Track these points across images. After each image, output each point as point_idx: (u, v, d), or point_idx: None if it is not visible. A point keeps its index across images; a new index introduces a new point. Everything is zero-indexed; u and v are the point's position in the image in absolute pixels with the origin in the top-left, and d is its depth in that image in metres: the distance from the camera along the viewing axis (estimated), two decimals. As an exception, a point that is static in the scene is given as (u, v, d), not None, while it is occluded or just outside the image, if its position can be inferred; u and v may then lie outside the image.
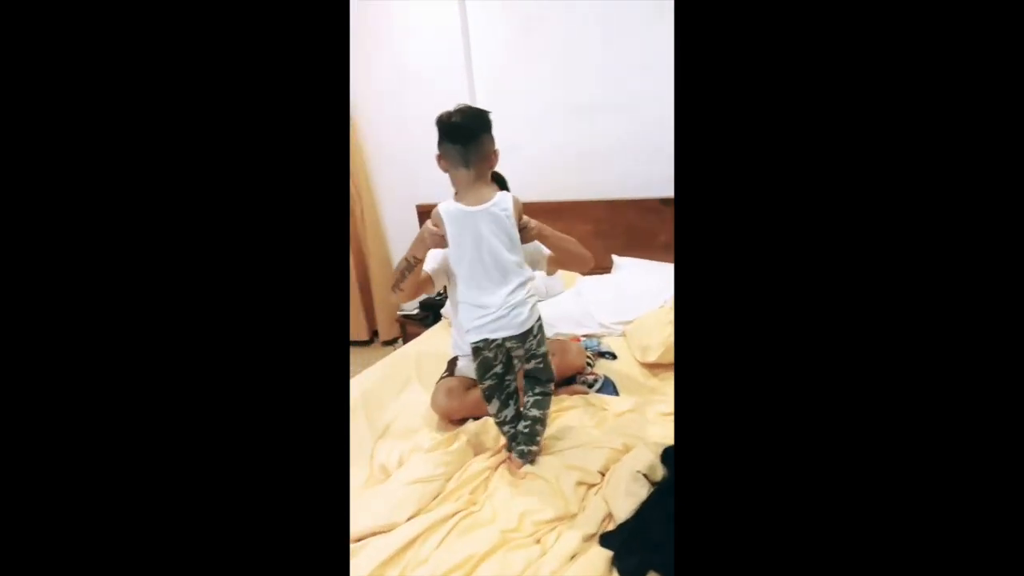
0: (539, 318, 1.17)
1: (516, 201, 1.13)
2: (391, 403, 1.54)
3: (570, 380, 1.52)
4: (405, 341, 2.46)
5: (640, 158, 2.02)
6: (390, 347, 2.87)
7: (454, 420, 1.39)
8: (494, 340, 1.14)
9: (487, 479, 1.12)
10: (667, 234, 1.98)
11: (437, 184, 2.49)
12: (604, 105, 2.05)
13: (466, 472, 1.12)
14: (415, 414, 1.46)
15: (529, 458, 1.17)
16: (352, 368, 2.44)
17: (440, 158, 1.13)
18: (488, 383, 1.18)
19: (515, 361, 1.19)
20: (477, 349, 1.16)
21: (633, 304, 1.82)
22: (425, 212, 2.53)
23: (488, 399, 1.19)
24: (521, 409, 1.20)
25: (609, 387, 1.50)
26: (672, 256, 1.88)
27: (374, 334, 2.97)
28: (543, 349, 1.18)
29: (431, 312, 2.49)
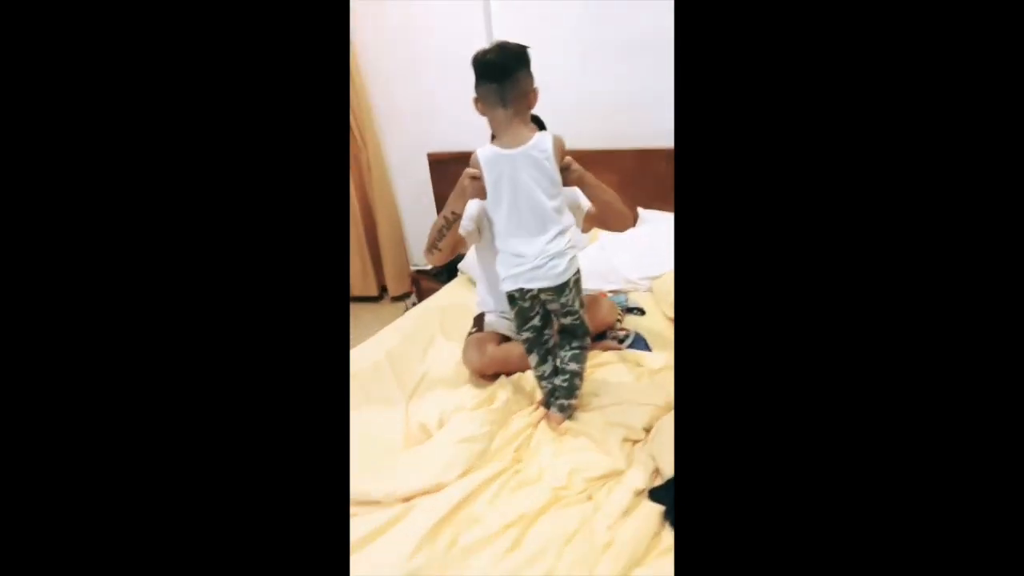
0: (578, 271, 1.13)
1: (557, 140, 1.06)
2: (418, 361, 1.50)
3: (600, 336, 1.49)
4: (420, 297, 2.42)
5: (670, 105, 1.91)
6: (400, 303, 2.83)
7: (486, 375, 1.37)
8: (529, 290, 1.10)
9: (529, 436, 1.10)
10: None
11: (448, 132, 2.41)
12: (635, 48, 1.92)
13: (509, 430, 1.09)
14: (444, 370, 1.43)
15: (568, 412, 1.16)
16: (365, 325, 2.40)
17: (477, 100, 1.07)
18: (526, 335, 1.15)
19: (552, 315, 1.16)
20: (512, 298, 1.13)
21: (660, 259, 1.77)
22: (437, 161, 2.43)
23: (528, 352, 1.17)
24: (558, 364, 1.17)
25: (640, 343, 1.48)
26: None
27: (383, 290, 2.91)
28: (579, 304, 1.14)
29: (445, 267, 2.43)
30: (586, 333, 1.19)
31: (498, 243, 1.12)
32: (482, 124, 2.31)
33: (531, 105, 1.05)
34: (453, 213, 1.22)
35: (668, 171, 1.95)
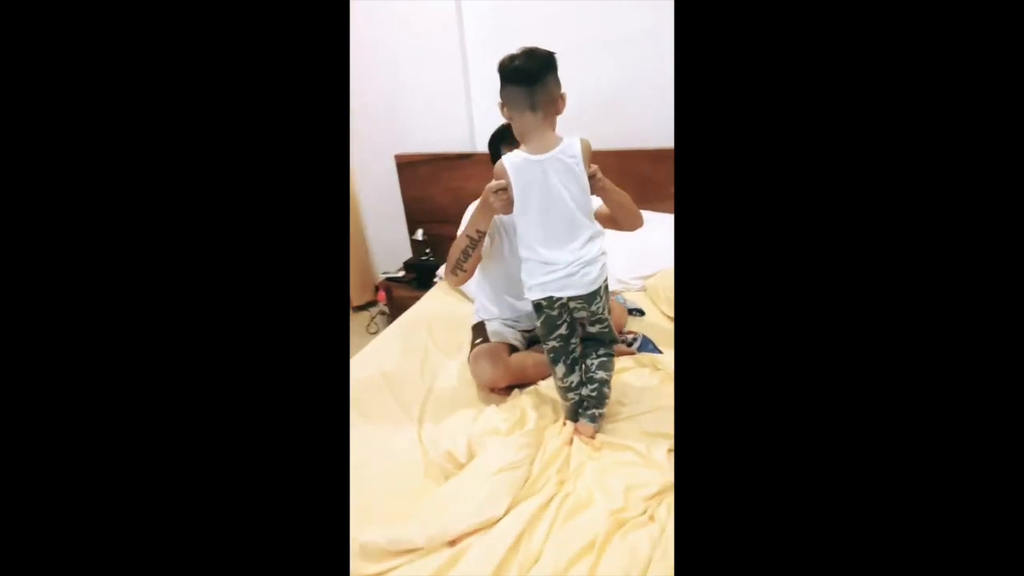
0: (606, 277, 1.07)
1: (586, 144, 1.01)
2: (416, 377, 1.38)
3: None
4: (392, 307, 2.27)
5: (651, 104, 1.90)
6: (363, 312, 2.65)
7: (498, 389, 1.28)
8: (558, 299, 1.03)
9: (568, 456, 1.02)
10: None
11: (416, 134, 2.28)
12: (608, 46, 1.88)
13: (546, 452, 1.01)
14: (450, 387, 1.32)
15: (599, 423, 1.10)
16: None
17: (503, 105, 1.00)
18: (553, 344, 1.08)
19: (578, 323, 1.10)
20: (539, 307, 1.06)
21: (651, 259, 1.76)
22: (405, 164, 2.28)
23: (554, 362, 1.09)
24: (586, 373, 1.12)
25: (648, 344, 1.44)
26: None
27: (344, 299, 2.72)
28: (608, 311, 1.09)
29: (416, 272, 2.30)
30: (613, 340, 1.13)
31: (523, 251, 1.04)
32: (454, 126, 2.26)
33: (559, 110, 1.00)
34: (478, 232, 1.18)
35: (651, 172, 1.94)
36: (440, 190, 2.30)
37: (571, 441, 1.07)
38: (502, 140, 1.30)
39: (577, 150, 1.00)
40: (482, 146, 2.21)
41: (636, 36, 1.85)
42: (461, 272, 1.25)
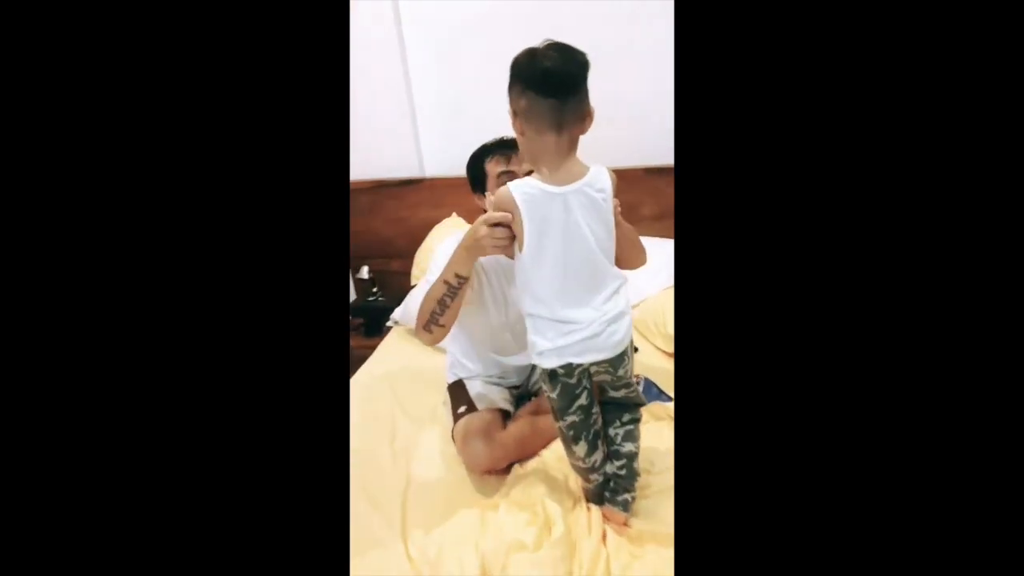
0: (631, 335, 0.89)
1: (612, 177, 0.82)
2: (387, 461, 1.11)
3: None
4: (337, 358, 1.95)
5: (619, 124, 1.76)
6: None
7: (497, 470, 1.05)
8: (578, 365, 0.83)
9: (607, 560, 0.82)
10: (650, 206, 1.79)
11: (367, 157, 1.98)
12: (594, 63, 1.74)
13: (583, 562, 0.80)
14: (434, 474, 1.07)
15: (630, 508, 0.90)
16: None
17: (517, 116, 0.77)
18: (572, 419, 0.87)
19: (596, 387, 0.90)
20: (554, 375, 0.85)
21: (636, 286, 1.61)
22: (359, 190, 1.97)
23: (575, 440, 0.88)
24: (610, 447, 0.92)
25: (652, 389, 1.28)
26: (658, 229, 1.70)
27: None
28: (632, 372, 0.91)
29: (364, 316, 2.00)
30: (640, 404, 0.95)
31: (531, 305, 0.83)
32: (397, 149, 2.00)
33: (585, 131, 0.79)
34: (458, 277, 0.92)
35: (619, 192, 1.81)
36: (383, 221, 2.02)
37: (604, 534, 0.86)
38: (488, 156, 1.08)
39: (606, 182, 0.81)
40: (432, 170, 1.97)
41: (608, 56, 1.72)
42: (436, 328, 1.00)
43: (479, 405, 1.14)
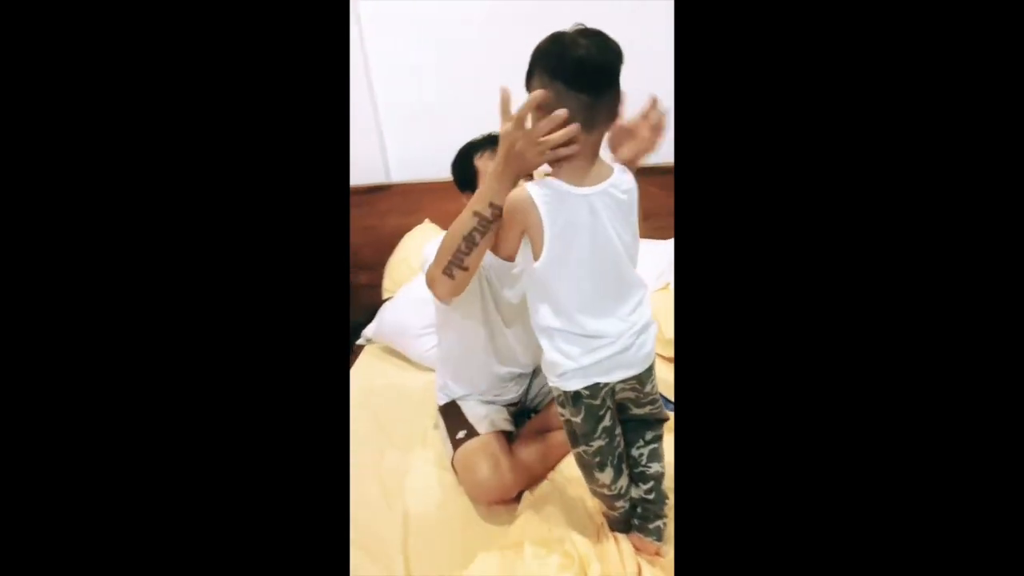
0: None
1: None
2: (379, 502, 0.99)
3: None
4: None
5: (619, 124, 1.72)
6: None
7: (506, 499, 0.95)
8: (606, 384, 0.75)
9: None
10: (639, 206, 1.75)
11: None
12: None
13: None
14: (434, 510, 0.96)
15: (663, 533, 0.83)
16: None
17: (542, 110, 0.67)
18: (598, 444, 0.79)
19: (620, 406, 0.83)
20: (577, 396, 0.76)
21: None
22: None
23: (600, 467, 0.80)
24: (636, 469, 0.85)
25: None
26: (646, 230, 1.65)
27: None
28: (657, 386, 0.84)
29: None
30: (663, 420, 0.88)
31: (549, 318, 0.74)
32: (361, 153, 1.86)
33: (610, 127, 0.72)
34: (492, 206, 0.73)
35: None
36: (350, 229, 1.88)
37: (640, 569, 0.78)
38: (478, 152, 0.98)
39: (631, 182, 0.74)
40: (399, 175, 1.85)
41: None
42: (459, 271, 0.79)
43: (480, 428, 1.03)
